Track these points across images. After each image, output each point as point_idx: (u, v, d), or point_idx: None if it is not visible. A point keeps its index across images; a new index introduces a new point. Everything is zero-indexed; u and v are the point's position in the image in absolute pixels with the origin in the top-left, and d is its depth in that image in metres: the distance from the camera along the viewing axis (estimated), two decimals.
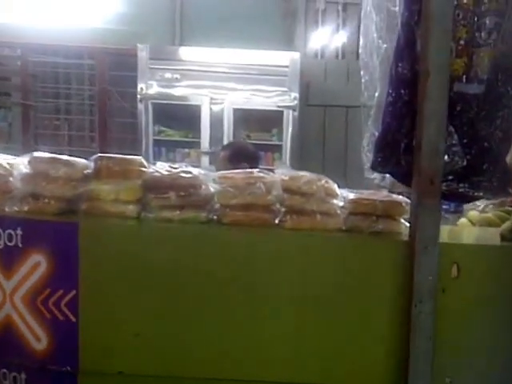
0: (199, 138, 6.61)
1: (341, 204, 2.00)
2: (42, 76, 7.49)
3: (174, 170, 2.05)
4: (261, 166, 3.34)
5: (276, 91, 6.41)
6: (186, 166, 2.16)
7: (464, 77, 1.84)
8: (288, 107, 6.38)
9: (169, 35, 7.06)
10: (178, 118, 6.67)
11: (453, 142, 1.84)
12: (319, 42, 7.14)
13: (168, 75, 6.50)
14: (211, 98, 6.49)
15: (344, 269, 1.92)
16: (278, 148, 6.59)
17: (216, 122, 6.52)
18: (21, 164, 2.07)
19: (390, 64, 1.88)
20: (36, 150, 5.97)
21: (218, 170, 3.48)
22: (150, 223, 2.00)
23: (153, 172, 2.04)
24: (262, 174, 2.04)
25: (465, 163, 1.86)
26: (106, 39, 6.82)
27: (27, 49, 7.15)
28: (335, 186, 2.04)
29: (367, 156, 2.02)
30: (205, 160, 6.60)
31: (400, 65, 1.87)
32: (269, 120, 6.60)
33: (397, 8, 1.93)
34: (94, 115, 7.45)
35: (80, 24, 6.79)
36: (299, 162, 6.44)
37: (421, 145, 1.80)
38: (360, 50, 2.19)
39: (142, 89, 6.50)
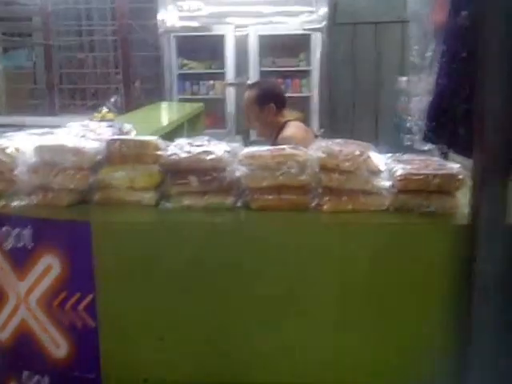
0: (224, 68, 6.19)
1: (386, 181, 1.67)
2: (63, 14, 7.08)
3: (193, 150, 1.73)
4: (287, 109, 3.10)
5: (303, 12, 5.89)
6: (208, 140, 1.84)
7: None
8: (315, 29, 5.87)
9: None
10: (201, 49, 6.28)
11: None
12: None
13: (189, 4, 6.02)
14: (235, 26, 6.00)
15: (393, 256, 1.62)
16: (305, 73, 6.14)
17: (240, 50, 6.08)
18: (26, 151, 1.79)
19: (446, 14, 1.48)
20: (60, 90, 5.69)
21: (244, 109, 3.18)
22: (169, 213, 1.72)
23: (170, 154, 1.73)
24: (294, 151, 1.71)
25: None
26: None
27: None
28: (379, 161, 1.70)
29: (418, 125, 1.66)
30: (230, 91, 6.22)
31: (457, 12, 1.47)
32: (295, 45, 6.13)
33: None
34: (117, 51, 7.06)
35: None
36: (328, 86, 6.00)
37: (483, 112, 1.45)
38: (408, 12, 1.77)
39: (162, 21, 6.06)
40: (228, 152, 1.75)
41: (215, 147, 1.77)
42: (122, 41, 6.88)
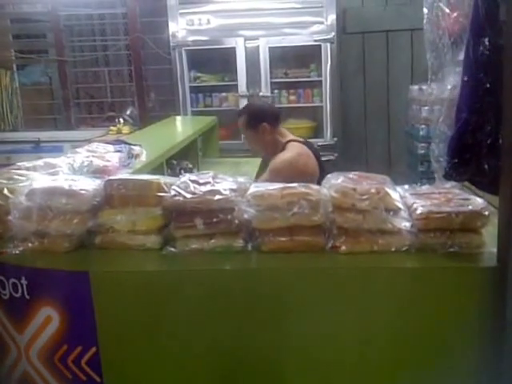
0: (236, 80, 6.03)
1: (406, 220, 1.50)
2: (77, 30, 7.00)
3: (198, 191, 1.58)
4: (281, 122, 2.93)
5: (312, 22, 5.71)
6: (213, 177, 1.69)
7: None
8: (325, 40, 5.68)
9: None
10: (213, 62, 6.11)
11: None
12: None
13: (199, 18, 5.88)
14: (245, 38, 5.85)
15: (416, 300, 1.46)
16: (317, 83, 5.95)
17: (252, 62, 5.91)
18: (20, 194, 1.65)
19: (465, 42, 1.32)
20: (76, 105, 5.59)
21: (244, 137, 3.05)
22: (174, 259, 1.57)
23: (174, 195, 1.58)
24: (305, 190, 1.55)
25: None
26: None
27: (58, 3, 6.61)
28: (396, 197, 1.54)
29: (439, 162, 1.49)
30: (243, 103, 6.06)
31: (478, 41, 1.30)
32: (306, 55, 5.94)
33: None
34: (130, 64, 6.95)
35: None
36: (339, 96, 5.82)
37: (510, 146, 1.28)
38: (424, 21, 1.60)
39: (174, 35, 5.92)
40: (235, 190, 1.60)
41: (221, 185, 1.62)
42: (134, 55, 6.76)
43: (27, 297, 1.56)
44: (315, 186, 1.59)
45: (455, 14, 1.37)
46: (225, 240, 1.56)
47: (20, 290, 1.56)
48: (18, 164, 2.01)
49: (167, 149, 3.27)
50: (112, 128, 6.04)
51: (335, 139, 5.72)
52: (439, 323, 1.45)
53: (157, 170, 2.89)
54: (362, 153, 6.14)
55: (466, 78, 1.35)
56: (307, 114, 5.99)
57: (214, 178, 1.68)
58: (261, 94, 5.86)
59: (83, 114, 7.31)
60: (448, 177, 1.48)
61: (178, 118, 5.63)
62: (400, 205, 1.52)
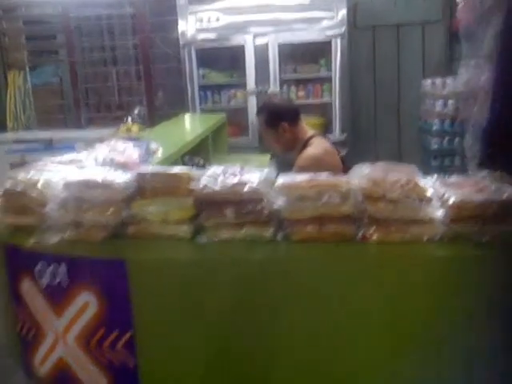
0: (244, 77, 6.03)
1: (438, 209, 1.49)
2: (86, 31, 7.01)
3: (228, 182, 1.58)
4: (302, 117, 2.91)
5: (322, 17, 5.69)
6: (241, 168, 1.69)
7: None
8: (336, 35, 5.66)
9: None
10: (222, 60, 6.11)
11: None
12: None
13: (208, 16, 5.87)
14: (254, 35, 5.84)
15: (448, 291, 1.45)
16: (327, 79, 5.94)
17: (261, 59, 5.90)
18: (56, 186, 1.66)
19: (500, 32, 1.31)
20: (86, 104, 5.61)
21: (263, 138, 3.03)
22: (205, 248, 1.57)
23: (204, 187, 1.58)
24: (334, 180, 1.55)
25: None
26: None
27: (68, 4, 6.62)
28: (427, 187, 1.53)
29: (472, 151, 1.48)
30: (252, 100, 6.06)
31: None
32: (316, 51, 5.92)
33: None
34: (139, 64, 6.96)
35: None
36: (349, 91, 5.81)
37: None
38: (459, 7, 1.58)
39: (183, 33, 5.92)
40: (263, 181, 1.60)
41: (249, 176, 1.61)
42: (143, 54, 6.76)
43: (65, 284, 1.58)
44: (344, 177, 1.58)
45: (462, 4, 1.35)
46: (255, 230, 1.56)
47: (59, 278, 1.58)
48: (46, 160, 2.01)
49: (182, 145, 3.28)
50: (121, 127, 6.05)
51: (345, 135, 5.70)
52: (472, 312, 1.44)
53: (172, 165, 2.89)
54: (372, 148, 6.12)
55: (499, 70, 1.33)
56: (317, 110, 5.97)
57: (241, 170, 1.67)
58: (270, 90, 5.85)
59: (92, 114, 7.33)
60: (482, 164, 1.46)
61: (188, 116, 5.63)
62: (431, 194, 1.51)
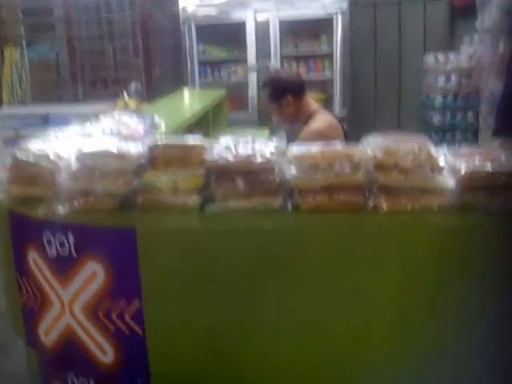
0: (245, 53, 5.98)
1: (449, 179, 1.50)
2: (84, 5, 6.90)
3: (241, 153, 1.57)
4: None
5: None
6: (252, 139, 1.68)
7: None
8: (336, 12, 5.61)
9: None
10: (222, 35, 6.05)
11: None
12: None
13: None
14: (255, 11, 5.77)
15: (458, 260, 1.46)
16: (327, 56, 5.90)
17: (262, 35, 5.85)
18: (68, 157, 1.66)
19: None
20: (83, 80, 5.55)
21: (267, 111, 3.02)
22: (215, 218, 1.57)
23: (217, 158, 1.57)
24: (347, 150, 1.54)
25: None
26: None
27: None
28: (440, 157, 1.53)
29: (486, 122, 1.48)
30: (252, 76, 6.02)
31: None
32: (317, 27, 5.88)
33: None
34: (137, 39, 6.87)
35: None
36: (350, 68, 5.77)
37: None
38: None
39: (183, 9, 5.85)
40: (274, 152, 1.59)
41: (262, 147, 1.61)
42: (141, 29, 6.67)
43: (73, 253, 1.57)
44: (357, 146, 1.58)
45: None
46: (264, 199, 1.56)
47: (67, 247, 1.57)
48: (54, 132, 2.00)
49: (183, 120, 3.27)
50: (118, 102, 6.00)
51: (345, 111, 5.69)
52: (482, 281, 1.45)
53: None
54: (372, 125, 6.10)
55: None
56: (317, 86, 5.93)
57: (252, 140, 1.67)
58: (270, 66, 5.80)
59: (89, 89, 7.25)
60: (497, 133, 1.46)
61: (187, 91, 5.59)
62: (443, 163, 1.51)
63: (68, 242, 1.56)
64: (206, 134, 4.17)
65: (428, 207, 1.49)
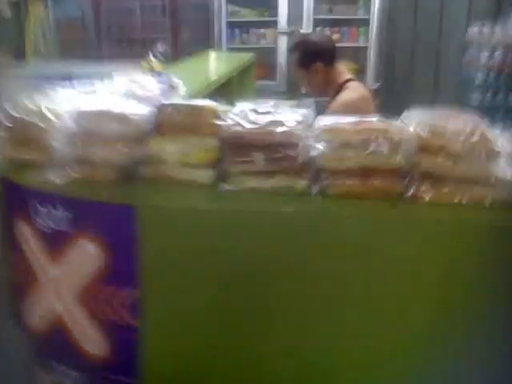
0: (276, 16, 5.68)
1: (506, 169, 1.26)
2: None
3: (259, 121, 1.35)
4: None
5: None
6: (274, 106, 1.45)
7: None
8: None
9: None
10: None
11: None
12: None
13: None
14: None
15: (507, 263, 1.23)
16: (363, 22, 5.57)
17: None
18: (65, 115, 1.44)
19: None
20: (109, 40, 5.33)
21: (295, 77, 2.78)
22: (228, 198, 1.36)
23: (232, 125, 1.35)
24: (384, 126, 1.31)
25: None
26: None
27: None
28: (495, 141, 1.28)
29: None
30: (282, 40, 5.73)
31: None
32: None
33: None
34: None
35: None
36: (387, 36, 5.45)
37: None
38: None
39: None
40: (300, 123, 1.37)
41: (284, 116, 1.38)
42: None
43: (67, 229, 1.38)
44: (396, 122, 1.35)
45: None
46: (286, 179, 1.34)
47: (60, 222, 1.38)
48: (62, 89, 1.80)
49: (205, 84, 3.04)
50: (143, 63, 5.78)
51: (378, 84, 5.39)
52: None
53: None
54: (405, 100, 5.77)
55: None
56: (350, 54, 5.62)
57: (275, 107, 1.44)
58: (301, 31, 5.51)
59: (114, 50, 7.05)
60: None
61: (213, 53, 5.34)
62: (500, 149, 1.27)
63: (60, 216, 1.36)
64: (230, 102, 3.94)
65: (479, 201, 1.26)
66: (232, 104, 3.87)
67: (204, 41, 6.01)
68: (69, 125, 1.42)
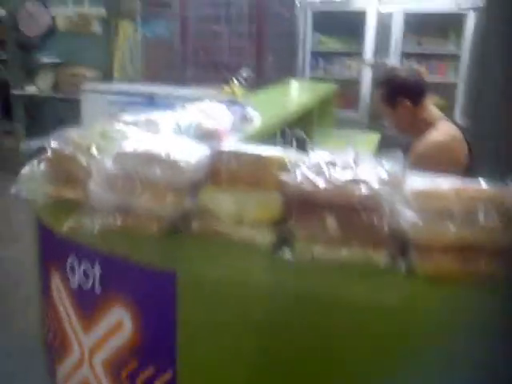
0: (362, 47, 5.40)
1: None
2: None
3: (335, 178, 1.08)
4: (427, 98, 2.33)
5: None
6: (355, 157, 1.18)
7: None
8: (470, 8, 4.87)
9: None
10: (339, 26, 5.53)
11: None
12: None
13: None
14: (379, 0, 5.19)
15: None
16: (453, 57, 5.17)
17: (382, 28, 5.25)
18: (106, 157, 1.23)
19: None
20: (194, 62, 5.26)
21: (381, 115, 2.49)
22: (289, 268, 1.08)
23: (300, 181, 1.09)
24: (490, 190, 1.00)
25: None
26: None
27: None
28: None
29: None
30: (367, 72, 5.43)
31: None
32: (445, 24, 5.18)
33: None
34: (252, 24, 6.51)
35: None
36: (478, 74, 5.01)
37: None
38: None
39: None
40: (385, 182, 1.08)
41: (367, 173, 1.10)
42: (257, 14, 6.31)
43: (99, 290, 1.17)
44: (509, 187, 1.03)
45: None
46: (364, 251, 1.06)
47: (91, 280, 1.17)
48: (120, 117, 1.62)
49: (283, 115, 2.81)
50: (226, 88, 5.69)
51: (467, 123, 4.96)
52: None
53: (269, 137, 2.45)
54: (496, 142, 5.30)
55: None
56: (437, 90, 5.23)
57: (355, 158, 1.16)
58: (388, 63, 5.20)
59: (199, 72, 7.05)
60: None
61: (295, 82, 5.14)
62: None
63: (93, 274, 1.15)
64: (309, 133, 3.70)
65: None
66: (311, 134, 3.63)
67: (287, 69, 5.86)
68: (109, 165, 1.21)
